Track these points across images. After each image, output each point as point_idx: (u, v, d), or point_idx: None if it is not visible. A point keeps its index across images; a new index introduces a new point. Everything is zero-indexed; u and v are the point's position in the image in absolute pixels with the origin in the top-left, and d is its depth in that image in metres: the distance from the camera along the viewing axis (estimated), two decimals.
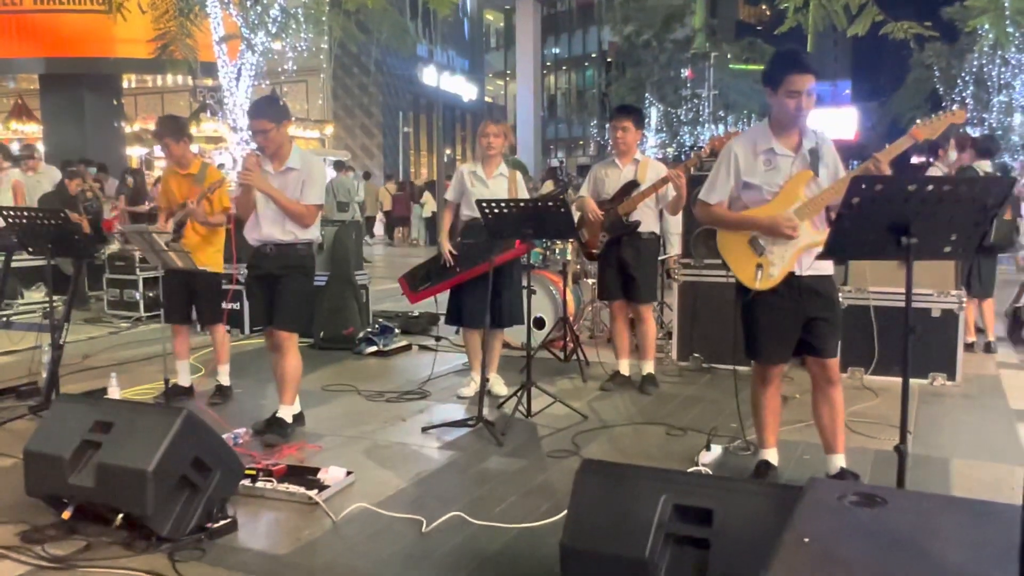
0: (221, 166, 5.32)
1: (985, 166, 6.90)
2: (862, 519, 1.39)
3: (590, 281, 7.58)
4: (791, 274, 3.58)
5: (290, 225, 4.55)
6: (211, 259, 5.37)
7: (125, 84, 22.53)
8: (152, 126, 25.00)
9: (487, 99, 42.82)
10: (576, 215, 5.74)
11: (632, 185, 5.50)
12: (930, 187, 2.65)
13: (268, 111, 4.50)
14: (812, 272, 3.59)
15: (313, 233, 4.67)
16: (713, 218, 3.77)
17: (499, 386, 5.54)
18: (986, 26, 17.84)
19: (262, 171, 4.47)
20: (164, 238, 5.00)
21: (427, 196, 21.72)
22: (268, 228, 4.55)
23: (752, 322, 3.69)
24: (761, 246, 3.61)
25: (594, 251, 5.74)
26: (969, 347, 6.91)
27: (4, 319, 6.35)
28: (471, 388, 5.49)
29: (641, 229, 5.55)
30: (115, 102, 21.14)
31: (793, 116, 3.54)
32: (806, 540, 1.32)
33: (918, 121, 3.62)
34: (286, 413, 4.67)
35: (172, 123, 5.48)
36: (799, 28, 11.29)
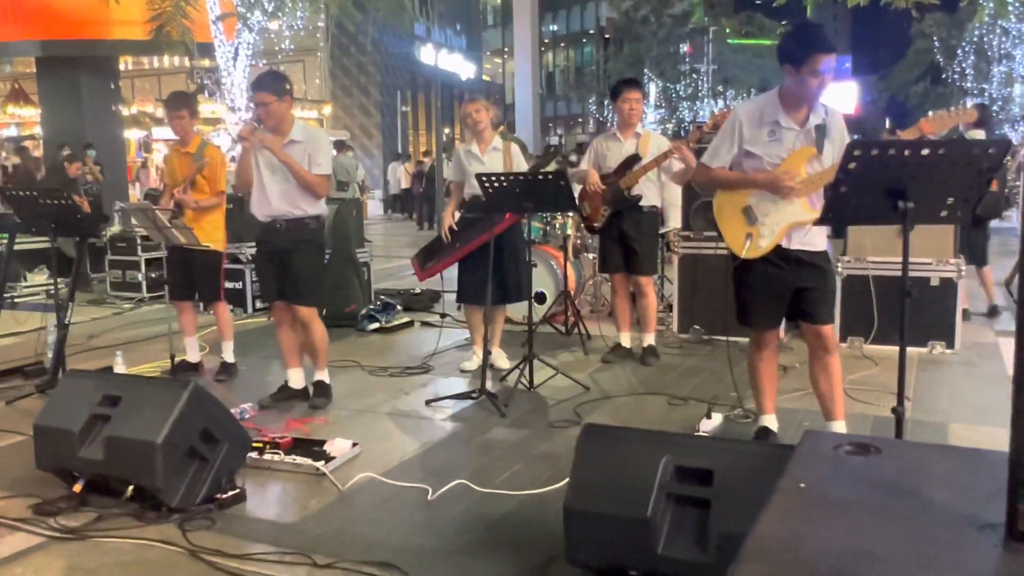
0: (205, 143, 5.36)
1: (978, 135, 6.91)
2: (857, 466, 1.43)
3: (590, 255, 7.61)
4: (779, 246, 3.61)
5: (300, 200, 4.59)
6: (210, 237, 5.38)
7: (122, 66, 22.42)
8: (150, 108, 24.95)
9: (485, 77, 42.65)
10: (577, 188, 5.78)
11: (634, 159, 5.51)
12: (926, 151, 2.68)
13: (269, 84, 4.54)
14: (802, 247, 3.62)
15: (321, 207, 4.72)
16: (712, 178, 3.78)
17: (501, 360, 5.59)
18: None
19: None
20: (167, 215, 5.04)
21: None
22: (277, 203, 4.60)
23: (742, 288, 3.75)
24: (754, 216, 3.63)
25: (596, 224, 5.76)
26: (963, 314, 6.96)
27: (9, 300, 6.39)
28: (474, 362, 5.54)
29: (642, 203, 5.57)
30: (112, 85, 21.02)
31: (814, 94, 3.53)
32: (802, 485, 1.36)
33: (930, 113, 3.63)
34: (325, 376, 4.87)
35: (179, 97, 5.54)
36: (798, 1, 11.23)
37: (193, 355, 5.64)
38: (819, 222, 3.16)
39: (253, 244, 7.55)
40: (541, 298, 6.89)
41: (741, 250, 3.64)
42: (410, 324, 7.21)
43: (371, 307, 7.21)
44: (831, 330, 3.76)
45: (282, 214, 4.61)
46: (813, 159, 3.58)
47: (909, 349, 5.20)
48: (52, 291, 5.18)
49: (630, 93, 5.58)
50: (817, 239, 3.66)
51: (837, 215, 3.03)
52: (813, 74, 3.46)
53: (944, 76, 32.50)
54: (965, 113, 3.64)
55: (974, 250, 6.90)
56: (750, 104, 3.82)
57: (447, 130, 32.49)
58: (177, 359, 5.50)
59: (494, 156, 5.34)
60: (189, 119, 5.42)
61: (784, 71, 3.58)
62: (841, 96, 29.22)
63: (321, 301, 4.88)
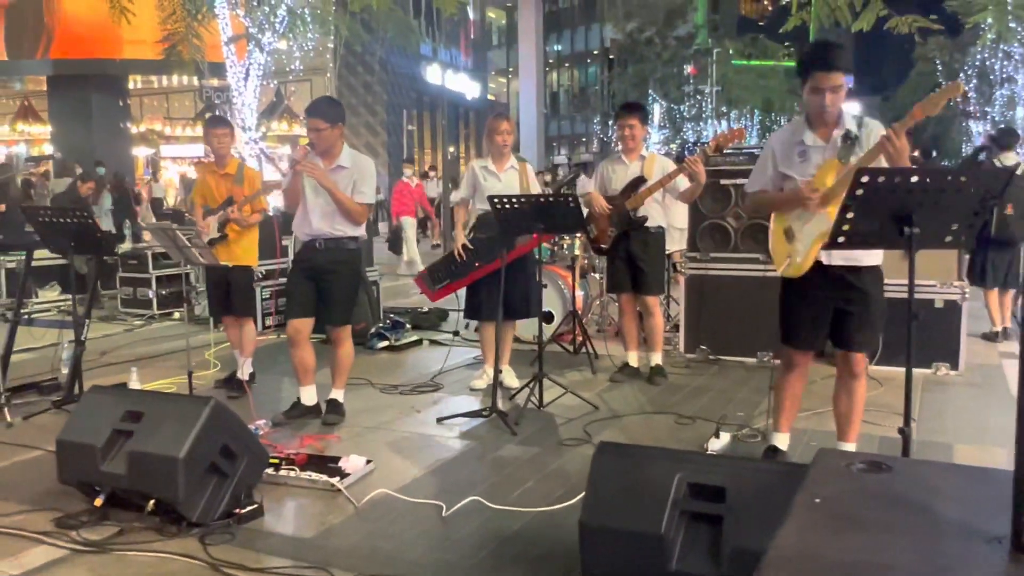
0: (243, 164, 5.56)
1: (1009, 159, 7.01)
2: (869, 482, 1.50)
3: (597, 275, 7.69)
4: (820, 263, 3.62)
5: (339, 222, 4.73)
6: (246, 253, 5.57)
7: (131, 85, 22.68)
8: (158, 126, 25.13)
9: (490, 96, 42.91)
10: (584, 211, 5.86)
11: (639, 180, 5.61)
12: (930, 179, 2.77)
13: (324, 111, 4.70)
14: (844, 262, 3.60)
15: (360, 230, 4.86)
16: (754, 202, 3.97)
17: (511, 378, 5.66)
18: (989, 20, 17.88)
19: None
20: (188, 235, 5.16)
21: None
22: (318, 223, 4.73)
23: (785, 307, 3.81)
24: (792, 234, 3.69)
25: (603, 245, 5.85)
26: (992, 336, 7.03)
27: (26, 317, 6.47)
28: (483, 380, 5.61)
29: (649, 223, 5.66)
30: (121, 103, 21.30)
31: (818, 111, 3.59)
32: (817, 501, 1.43)
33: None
34: (340, 395, 4.97)
35: (220, 118, 5.71)
36: (803, 24, 11.36)
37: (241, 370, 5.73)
38: (827, 246, 3.22)
39: (264, 263, 7.72)
40: (549, 317, 6.96)
41: (780, 268, 3.75)
42: (419, 343, 7.28)
43: (380, 325, 7.29)
44: (862, 357, 3.77)
45: (322, 234, 4.74)
46: (840, 171, 3.56)
47: (915, 370, 5.25)
48: (64, 307, 5.26)
49: (628, 119, 5.69)
50: (862, 253, 3.58)
51: (844, 239, 3.10)
52: (813, 91, 3.55)
53: (948, 101, 32.64)
54: (953, 86, 3.64)
55: (995, 273, 6.98)
56: (781, 131, 3.95)
57: (452, 148, 32.71)
58: (226, 373, 5.70)
59: (511, 175, 5.44)
60: (230, 139, 5.59)
61: (801, 89, 3.70)
62: None
63: (351, 321, 4.97)
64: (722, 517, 2.47)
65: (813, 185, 3.59)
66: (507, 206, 4.86)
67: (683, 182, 5.49)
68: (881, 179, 2.80)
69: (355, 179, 4.72)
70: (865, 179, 2.79)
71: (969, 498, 1.43)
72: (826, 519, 1.38)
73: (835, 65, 3.52)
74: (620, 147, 5.83)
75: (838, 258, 3.58)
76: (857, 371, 3.77)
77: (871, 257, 3.66)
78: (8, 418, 4.88)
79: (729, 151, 6.31)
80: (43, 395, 5.44)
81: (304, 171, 4.60)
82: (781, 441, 4.00)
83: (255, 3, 12.72)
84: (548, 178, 13.06)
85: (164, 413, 3.42)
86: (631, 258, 5.68)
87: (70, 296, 5.39)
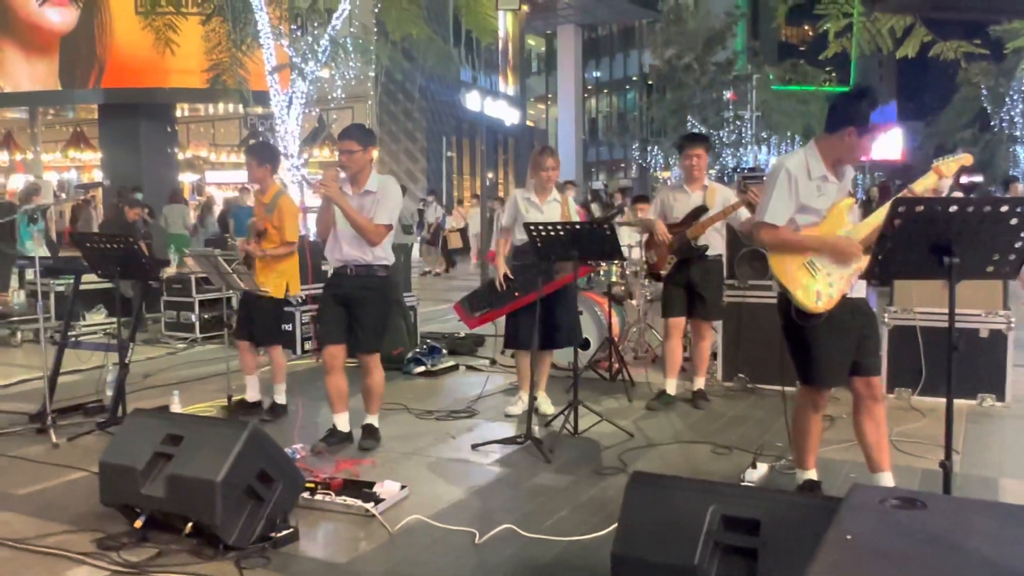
0: (279, 193, 5.62)
1: None
2: (902, 520, 1.48)
3: (634, 302, 7.67)
4: (844, 295, 3.62)
5: (370, 248, 4.77)
6: (271, 283, 5.51)
7: (178, 113, 23.25)
8: (204, 152, 25.69)
9: (529, 123, 43.19)
10: (644, 236, 5.95)
11: (701, 210, 5.64)
12: (971, 208, 2.73)
13: (357, 134, 4.80)
14: (858, 295, 3.70)
15: (388, 254, 4.89)
16: (781, 239, 3.68)
17: (546, 405, 5.65)
18: None
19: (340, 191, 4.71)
20: (230, 262, 5.26)
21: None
22: (348, 249, 4.80)
23: (813, 346, 3.65)
24: (816, 268, 3.60)
25: (661, 272, 5.89)
26: None
27: (73, 339, 6.63)
28: (519, 407, 5.62)
29: (708, 253, 5.69)
30: (169, 129, 21.83)
31: (854, 158, 3.68)
32: (848, 537, 1.41)
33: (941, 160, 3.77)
34: (375, 420, 5.03)
35: (258, 148, 5.83)
36: (843, 50, 11.28)
37: (253, 394, 5.76)
38: (864, 276, 3.20)
39: (303, 288, 7.82)
40: (585, 344, 6.95)
41: (816, 305, 3.56)
42: (455, 368, 7.31)
43: (417, 351, 7.33)
44: (880, 381, 3.80)
45: (353, 260, 4.80)
46: (853, 209, 3.69)
47: (959, 401, 5.15)
48: (110, 330, 5.38)
49: (693, 149, 5.76)
50: (859, 284, 3.71)
51: (883, 269, 3.06)
52: (872, 139, 3.61)
53: (992, 124, 32.18)
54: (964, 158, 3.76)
55: None
56: (794, 159, 3.76)
57: (491, 174, 32.89)
58: (235, 398, 5.65)
59: (553, 207, 5.48)
60: (259, 168, 5.57)
61: (847, 133, 3.58)
62: (886, 142, 29.07)
63: (382, 349, 5.01)
64: (756, 551, 2.44)
65: (832, 226, 3.64)
66: (543, 233, 4.88)
67: (744, 213, 5.52)
68: (919, 209, 2.77)
69: (379, 200, 4.78)
70: (902, 209, 2.77)
71: (1005, 537, 1.40)
72: (857, 557, 1.36)
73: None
74: (684, 176, 5.90)
75: (856, 291, 3.67)
76: (879, 395, 3.76)
77: (864, 287, 3.82)
78: (54, 439, 4.99)
79: None
80: (88, 417, 5.56)
81: (319, 191, 4.67)
82: (813, 475, 3.94)
83: (298, 33, 13.00)
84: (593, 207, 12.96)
85: (203, 437, 3.48)
86: (691, 285, 5.73)
87: (115, 319, 5.51)
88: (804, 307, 3.58)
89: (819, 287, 3.59)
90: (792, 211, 3.69)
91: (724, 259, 6.04)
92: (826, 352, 3.66)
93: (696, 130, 32.25)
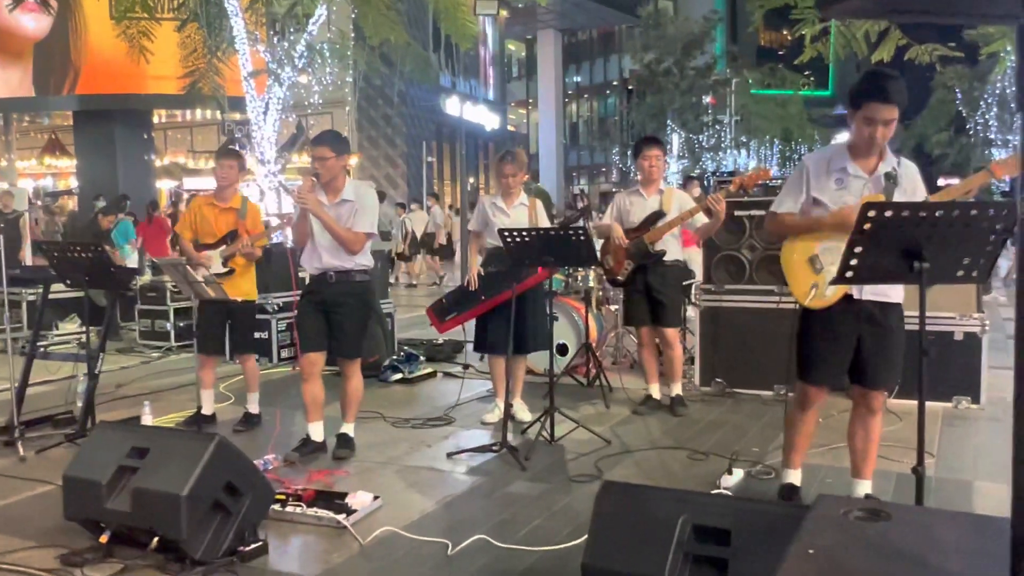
0: (246, 199, 5.59)
1: None
2: (866, 532, 1.45)
3: (612, 307, 7.65)
4: (849, 296, 3.54)
5: (347, 255, 4.73)
6: (249, 287, 5.60)
7: (155, 119, 23.04)
8: (182, 159, 25.47)
9: (510, 128, 43.20)
10: (600, 241, 5.87)
11: (658, 215, 5.61)
12: (939, 212, 2.72)
13: (330, 141, 4.74)
14: (873, 297, 3.54)
15: (368, 259, 4.86)
16: (782, 226, 3.72)
17: (523, 412, 5.62)
18: (1008, 48, 17.78)
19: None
20: (200, 271, 5.19)
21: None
22: (327, 257, 4.75)
23: (806, 341, 3.67)
24: (820, 264, 3.58)
25: (619, 277, 5.84)
26: None
27: (42, 349, 6.52)
28: (495, 414, 5.57)
29: (666, 258, 5.66)
30: (145, 136, 21.62)
31: (866, 142, 3.50)
32: (810, 552, 1.38)
33: (996, 156, 3.69)
34: (350, 429, 4.97)
35: (237, 152, 5.88)
36: (819, 55, 11.31)
37: (208, 407, 5.70)
38: (834, 281, 3.17)
39: (279, 295, 7.74)
40: (563, 350, 6.92)
41: (805, 298, 3.58)
42: (433, 375, 7.26)
43: (394, 358, 7.27)
44: (881, 394, 3.69)
45: (332, 267, 4.76)
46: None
47: (934, 404, 5.16)
48: (83, 340, 5.29)
49: (650, 151, 5.72)
50: (890, 289, 3.54)
51: (855, 274, 3.05)
52: (866, 121, 3.45)
53: (967, 127, 32.53)
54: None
55: None
56: (818, 153, 3.81)
57: (472, 180, 32.87)
58: (190, 414, 5.61)
59: (520, 211, 5.45)
60: (236, 171, 5.59)
61: (848, 116, 3.57)
62: None
63: (362, 355, 4.96)
64: (727, 561, 2.41)
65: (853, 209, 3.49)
66: (517, 239, 4.85)
67: (700, 218, 5.49)
68: (888, 213, 2.76)
69: (357, 209, 4.73)
70: (872, 213, 2.75)
71: (968, 548, 1.38)
72: (818, 572, 1.33)
73: (892, 98, 3.41)
74: (640, 178, 5.84)
75: (868, 292, 3.52)
76: (875, 407, 3.69)
77: (898, 292, 3.60)
78: (21, 452, 4.89)
79: None
80: (57, 429, 5.45)
81: (300, 203, 4.63)
82: (795, 478, 3.92)
83: (275, 39, 12.90)
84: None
85: (169, 449, 3.42)
86: (649, 290, 5.68)
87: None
88: (796, 299, 3.63)
89: (815, 283, 3.57)
90: (801, 202, 3.67)
91: (682, 263, 5.95)
92: (815, 349, 3.65)
93: (676, 134, 32.44)
